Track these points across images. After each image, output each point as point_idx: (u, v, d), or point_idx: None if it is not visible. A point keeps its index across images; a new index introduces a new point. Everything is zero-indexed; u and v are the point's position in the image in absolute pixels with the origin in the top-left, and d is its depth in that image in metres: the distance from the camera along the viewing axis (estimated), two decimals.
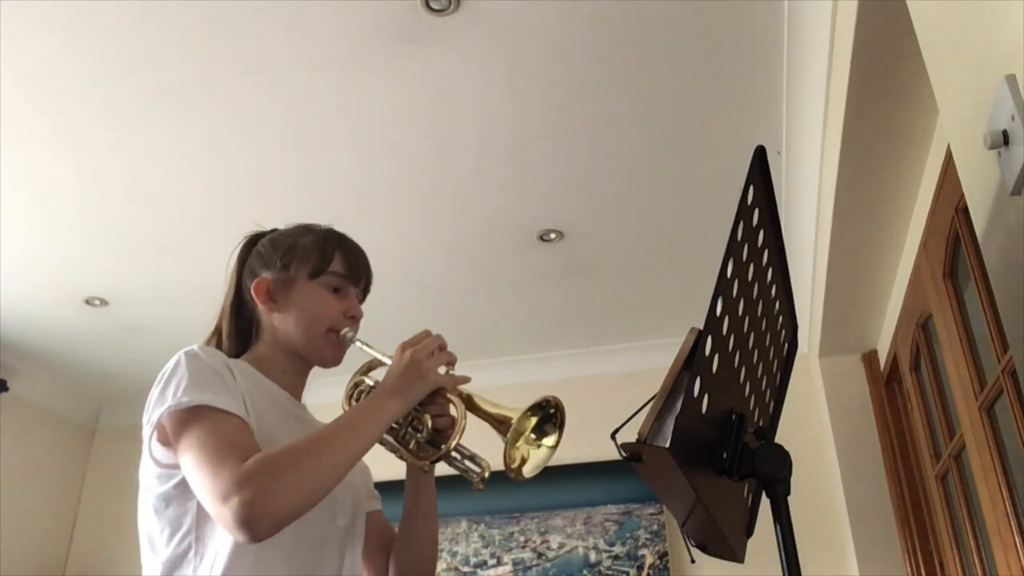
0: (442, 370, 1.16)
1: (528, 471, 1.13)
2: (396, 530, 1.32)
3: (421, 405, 1.16)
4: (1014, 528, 1.87)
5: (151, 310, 3.54)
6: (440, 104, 2.45)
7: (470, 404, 1.16)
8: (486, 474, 1.17)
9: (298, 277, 1.25)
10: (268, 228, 1.36)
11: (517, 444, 1.11)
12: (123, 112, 2.45)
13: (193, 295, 3.36)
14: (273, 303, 1.25)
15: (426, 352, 1.15)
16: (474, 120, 2.52)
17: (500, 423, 1.11)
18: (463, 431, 1.15)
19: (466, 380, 1.18)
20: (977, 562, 2.31)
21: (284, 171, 2.74)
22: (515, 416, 1.11)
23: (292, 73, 2.32)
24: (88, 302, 3.51)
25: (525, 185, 2.83)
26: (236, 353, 1.27)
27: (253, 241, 1.34)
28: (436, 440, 1.18)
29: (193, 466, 1.01)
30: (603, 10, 2.12)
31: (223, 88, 2.37)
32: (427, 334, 1.18)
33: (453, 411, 1.17)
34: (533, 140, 2.61)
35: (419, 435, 1.19)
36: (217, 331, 1.29)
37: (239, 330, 1.29)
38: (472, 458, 1.19)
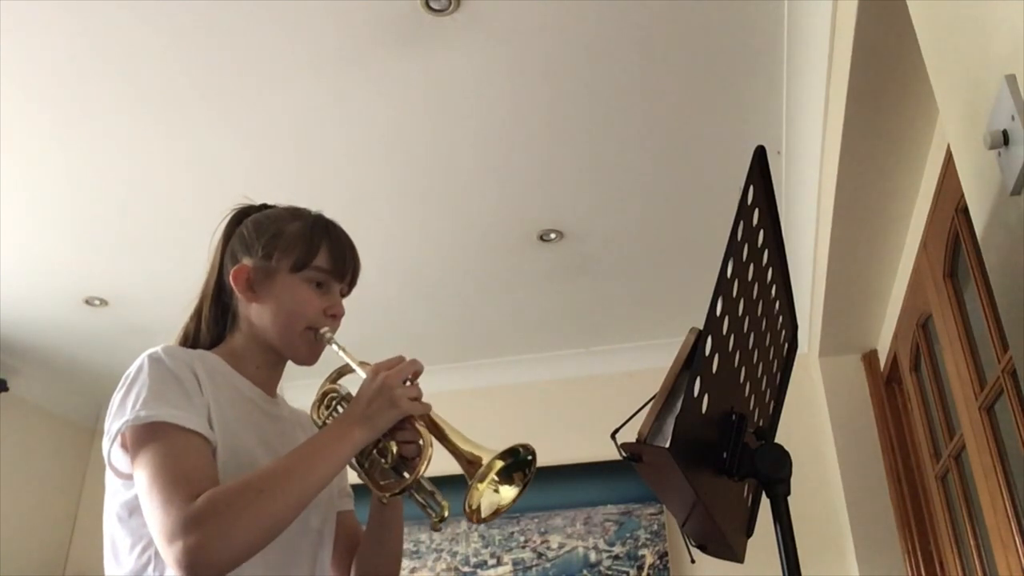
0: (414, 397, 1.11)
1: (485, 512, 1.08)
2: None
3: (389, 431, 1.11)
4: (1014, 528, 1.87)
5: (151, 310, 3.54)
6: (440, 104, 2.45)
7: (440, 435, 1.10)
8: (445, 514, 1.12)
9: (280, 269, 1.18)
10: (257, 204, 1.30)
11: (480, 484, 1.06)
12: (123, 112, 2.45)
13: (193, 295, 3.35)
14: (252, 293, 1.19)
15: (400, 378, 1.10)
16: (474, 120, 2.52)
17: (469, 464, 1.06)
18: (429, 462, 1.09)
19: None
20: (977, 562, 2.31)
21: (284, 171, 2.74)
22: (486, 459, 1.05)
23: (291, 73, 2.32)
24: (88, 302, 3.51)
25: (525, 185, 2.83)
26: (212, 341, 1.22)
27: (239, 218, 1.27)
28: (400, 467, 1.13)
29: (145, 492, 0.98)
30: (603, 10, 2.12)
31: (223, 88, 2.37)
32: (401, 359, 1.13)
33: (421, 440, 1.11)
34: (533, 140, 2.61)
35: (383, 461, 1.13)
36: (197, 314, 1.24)
37: (218, 316, 1.23)
38: (432, 495, 1.14)
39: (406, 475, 1.12)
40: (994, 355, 1.84)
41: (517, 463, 1.09)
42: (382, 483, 1.14)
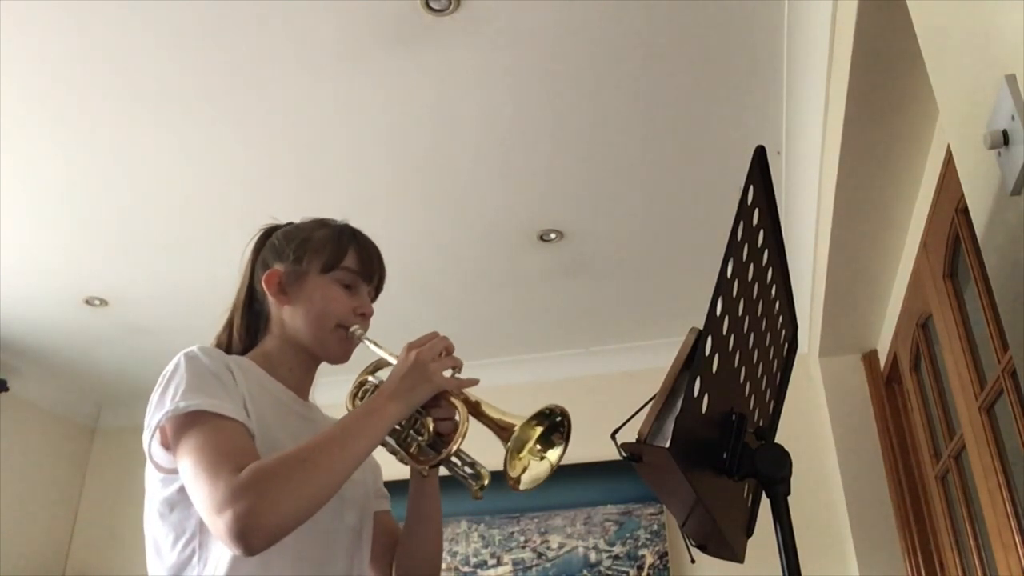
0: (448, 373, 1.14)
1: (525, 483, 1.10)
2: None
3: (424, 407, 1.14)
4: (1014, 528, 1.87)
5: (151, 310, 3.54)
6: (440, 104, 2.45)
7: (474, 409, 1.13)
8: (485, 482, 1.15)
9: (310, 271, 1.24)
10: (284, 222, 1.35)
11: (520, 454, 1.09)
12: (122, 112, 2.45)
13: (193, 295, 3.36)
14: (284, 296, 1.24)
15: (432, 354, 1.12)
16: (474, 120, 2.52)
17: (502, 430, 1.09)
18: (465, 436, 1.12)
19: (473, 383, 1.16)
20: (977, 562, 2.31)
21: (284, 171, 2.74)
22: (518, 424, 1.08)
23: (291, 73, 2.32)
24: (88, 302, 3.51)
25: (525, 185, 2.83)
26: (246, 348, 1.25)
27: (268, 233, 1.33)
28: (437, 444, 1.16)
29: (190, 474, 1.00)
30: (603, 10, 2.12)
31: (223, 88, 2.37)
32: (435, 335, 1.16)
33: (457, 415, 1.15)
34: (533, 140, 2.61)
35: (420, 438, 1.16)
36: (229, 324, 1.28)
37: (250, 324, 1.27)
38: (472, 465, 1.17)
39: (443, 451, 1.15)
40: (994, 355, 1.84)
41: (552, 426, 1.12)
42: (420, 458, 1.17)
